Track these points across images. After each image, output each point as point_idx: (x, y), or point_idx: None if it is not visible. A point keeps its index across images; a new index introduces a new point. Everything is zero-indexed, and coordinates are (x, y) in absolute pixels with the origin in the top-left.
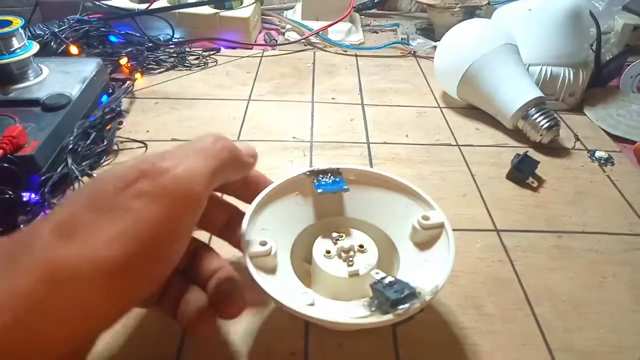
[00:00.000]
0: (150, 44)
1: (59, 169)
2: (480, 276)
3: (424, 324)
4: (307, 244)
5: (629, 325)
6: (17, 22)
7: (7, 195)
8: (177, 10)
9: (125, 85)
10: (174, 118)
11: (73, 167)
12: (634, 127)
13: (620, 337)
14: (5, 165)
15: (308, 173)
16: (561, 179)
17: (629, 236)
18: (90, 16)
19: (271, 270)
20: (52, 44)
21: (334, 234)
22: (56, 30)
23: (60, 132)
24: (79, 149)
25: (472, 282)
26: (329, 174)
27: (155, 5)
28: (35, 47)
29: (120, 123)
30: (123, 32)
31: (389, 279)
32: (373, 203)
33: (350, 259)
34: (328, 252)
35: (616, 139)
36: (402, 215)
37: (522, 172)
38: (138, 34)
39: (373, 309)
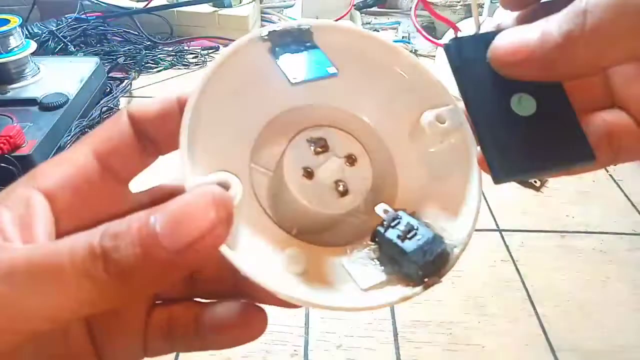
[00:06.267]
0: (148, 43)
1: None
2: (482, 276)
3: (425, 324)
4: (271, 149)
5: (633, 325)
6: (15, 20)
7: None
8: (175, 9)
9: (123, 84)
10: None
11: None
12: None
13: (624, 337)
14: (3, 165)
15: (266, 36)
16: (564, 179)
17: (632, 236)
18: (88, 14)
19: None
20: (50, 42)
21: (310, 136)
22: (54, 28)
23: (57, 131)
24: None
25: (474, 282)
26: (299, 45)
27: (153, 4)
28: (33, 46)
29: None
30: (121, 31)
31: (405, 222)
32: (359, 83)
33: (342, 185)
34: (308, 171)
35: None
36: (402, 108)
37: None
38: (136, 33)
39: (389, 272)
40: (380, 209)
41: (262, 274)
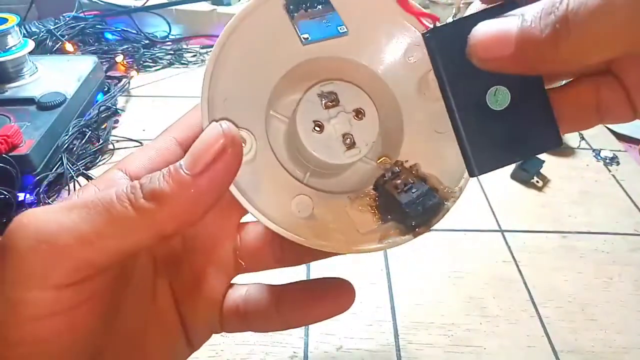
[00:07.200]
0: (147, 41)
1: (54, 169)
2: (484, 277)
3: (426, 326)
4: (288, 100)
5: (636, 326)
6: (13, 19)
7: (2, 196)
8: (174, 7)
9: (121, 83)
10: (171, 116)
11: (68, 166)
12: (639, 125)
13: (627, 338)
14: (0, 165)
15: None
16: (566, 179)
17: (634, 236)
18: (86, 13)
19: (249, 173)
20: (48, 41)
21: (322, 90)
22: (52, 27)
23: (55, 131)
24: (74, 148)
25: (476, 283)
26: (314, 2)
27: (151, 2)
28: (31, 44)
29: (116, 122)
30: (119, 29)
31: (403, 175)
32: (372, 38)
33: (349, 138)
34: (319, 125)
35: (622, 138)
36: (411, 62)
37: (527, 172)
38: (134, 31)
39: (385, 219)
40: (382, 163)
41: (268, 217)
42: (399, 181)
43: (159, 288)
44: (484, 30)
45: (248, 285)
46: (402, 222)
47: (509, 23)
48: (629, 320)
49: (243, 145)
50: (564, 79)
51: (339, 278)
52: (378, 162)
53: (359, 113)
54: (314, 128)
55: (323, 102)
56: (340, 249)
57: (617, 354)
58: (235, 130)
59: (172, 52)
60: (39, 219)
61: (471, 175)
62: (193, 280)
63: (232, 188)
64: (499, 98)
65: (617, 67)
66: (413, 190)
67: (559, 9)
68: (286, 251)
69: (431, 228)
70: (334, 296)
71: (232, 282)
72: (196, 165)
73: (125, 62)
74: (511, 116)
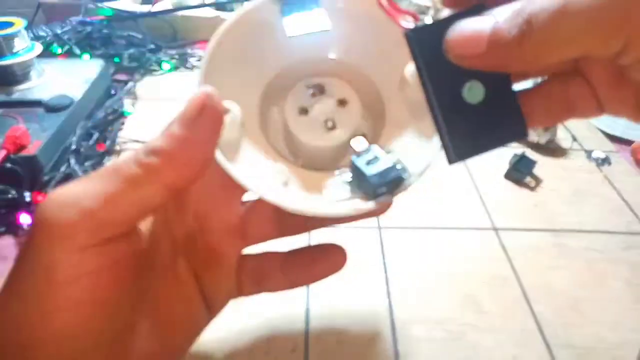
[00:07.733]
0: (153, 46)
1: (62, 170)
2: (478, 274)
3: (422, 321)
4: (278, 95)
5: (628, 322)
6: (20, 23)
7: (10, 195)
8: (179, 13)
9: (128, 86)
10: None
11: (76, 167)
12: (631, 127)
13: (619, 334)
14: (9, 165)
15: None
16: (559, 179)
17: (626, 235)
18: (92, 18)
19: (235, 141)
20: (55, 44)
21: (310, 82)
22: (59, 31)
23: (62, 132)
24: (82, 150)
25: (470, 280)
26: (305, 3)
27: (157, 8)
28: (38, 48)
29: (123, 124)
30: (126, 34)
31: (373, 153)
32: (359, 38)
33: (330, 122)
34: (304, 110)
35: (613, 139)
36: (393, 59)
37: (520, 172)
38: (140, 36)
39: (355, 191)
40: (355, 141)
41: (247, 178)
42: (369, 157)
43: (179, 266)
44: (460, 28)
45: (257, 254)
46: (367, 192)
47: (484, 23)
48: (621, 316)
49: (228, 112)
50: (533, 77)
51: (332, 243)
52: (351, 141)
53: (342, 102)
54: (300, 113)
55: (310, 92)
56: (313, 212)
57: (609, 349)
58: (213, 90)
59: (177, 57)
60: (62, 191)
61: (450, 162)
62: (209, 254)
63: (219, 154)
64: (473, 92)
65: (582, 66)
66: (379, 165)
67: (525, 12)
68: (284, 222)
69: (394, 197)
70: (329, 257)
71: (244, 253)
72: (184, 122)
73: (131, 66)
74: (485, 109)
